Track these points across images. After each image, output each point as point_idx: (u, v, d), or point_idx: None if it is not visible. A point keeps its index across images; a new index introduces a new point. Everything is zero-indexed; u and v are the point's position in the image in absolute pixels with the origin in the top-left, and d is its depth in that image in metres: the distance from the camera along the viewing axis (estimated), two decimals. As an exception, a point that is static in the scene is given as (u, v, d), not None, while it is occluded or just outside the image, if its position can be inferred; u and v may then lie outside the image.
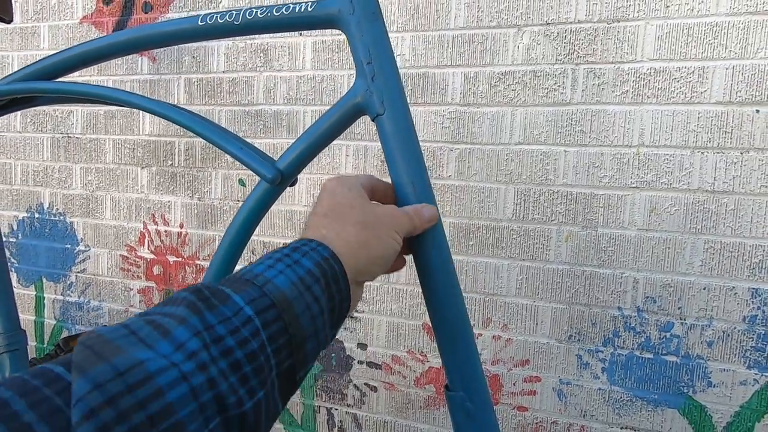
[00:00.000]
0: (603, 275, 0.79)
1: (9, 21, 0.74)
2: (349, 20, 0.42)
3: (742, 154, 0.72)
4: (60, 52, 0.54)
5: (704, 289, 0.74)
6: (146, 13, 1.02)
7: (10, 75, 0.57)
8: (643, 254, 0.77)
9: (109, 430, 0.17)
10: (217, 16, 0.46)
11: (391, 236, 0.33)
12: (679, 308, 0.76)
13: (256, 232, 0.52)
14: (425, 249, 0.41)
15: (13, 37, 1.13)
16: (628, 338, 0.78)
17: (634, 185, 0.77)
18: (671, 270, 0.76)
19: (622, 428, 0.79)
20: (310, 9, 0.44)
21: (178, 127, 1.07)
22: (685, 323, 0.76)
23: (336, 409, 0.95)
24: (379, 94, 0.42)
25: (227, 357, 0.21)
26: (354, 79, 0.42)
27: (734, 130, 0.72)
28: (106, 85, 1.06)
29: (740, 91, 0.72)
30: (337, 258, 0.29)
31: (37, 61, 0.56)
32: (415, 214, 0.37)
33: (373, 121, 0.43)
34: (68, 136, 1.11)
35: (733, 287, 0.73)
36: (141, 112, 1.06)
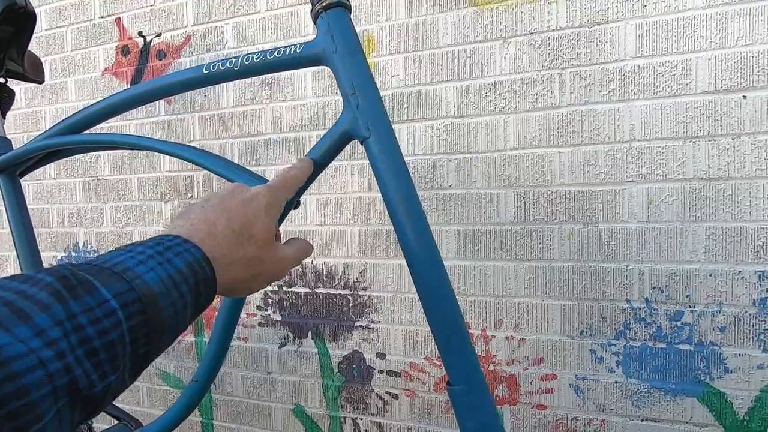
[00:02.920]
0: (608, 269, 0.80)
1: (41, 82, 0.83)
2: (333, 57, 0.47)
3: (733, 140, 0.73)
4: (86, 108, 0.61)
5: (710, 275, 0.75)
6: (160, 60, 1.11)
7: (44, 132, 0.64)
8: (646, 246, 0.78)
9: None
10: (219, 64, 0.52)
11: (270, 272, 0.36)
12: (687, 296, 0.77)
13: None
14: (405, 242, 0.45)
15: (45, 93, 1.24)
16: (639, 330, 0.79)
17: (630, 179, 0.79)
18: (675, 259, 0.77)
19: (642, 420, 0.80)
20: (298, 51, 0.49)
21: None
22: (695, 311, 0.76)
23: (361, 419, 0.98)
24: (364, 121, 0.46)
25: (85, 345, 0.22)
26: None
27: (723, 118, 0.74)
28: (128, 127, 1.15)
29: (725, 80, 0.73)
30: (210, 262, 0.30)
31: (66, 118, 0.63)
32: (279, 189, 0.39)
33: (361, 144, 0.48)
34: (97, 179, 1.20)
35: (740, 271, 0.74)
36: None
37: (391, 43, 0.92)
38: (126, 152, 1.17)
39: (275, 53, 0.50)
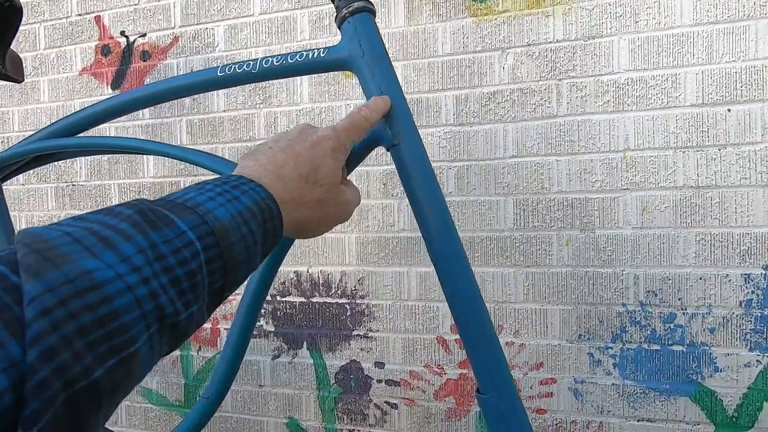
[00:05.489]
0: (605, 274, 0.83)
1: (21, 81, 0.77)
2: (359, 62, 0.47)
3: (719, 150, 0.78)
4: (85, 108, 0.57)
5: (700, 279, 0.79)
6: (145, 61, 1.06)
7: (34, 134, 0.60)
8: (640, 251, 0.81)
9: (60, 326, 0.18)
10: (235, 67, 0.51)
11: (334, 215, 0.38)
12: (679, 299, 0.80)
13: (265, 261, 0.55)
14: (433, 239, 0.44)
15: (13, 93, 1.16)
16: (635, 332, 0.82)
17: (624, 187, 0.82)
18: (668, 264, 0.80)
19: (638, 421, 0.82)
20: (322, 55, 0.48)
21: (182, 166, 1.10)
22: (687, 313, 0.80)
23: (358, 431, 0.96)
24: (392, 127, 0.46)
25: (168, 273, 0.23)
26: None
27: (710, 129, 0.78)
28: (107, 131, 1.09)
29: (711, 93, 0.78)
30: (275, 200, 0.31)
31: (61, 119, 0.59)
32: (360, 120, 0.41)
33: (388, 151, 0.47)
34: (73, 185, 1.13)
35: (727, 275, 0.78)
36: (145, 155, 1.09)
37: (390, 50, 0.91)
38: (105, 157, 1.11)
39: (297, 57, 0.49)
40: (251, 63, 0.50)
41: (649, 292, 0.81)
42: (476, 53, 0.87)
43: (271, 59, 0.50)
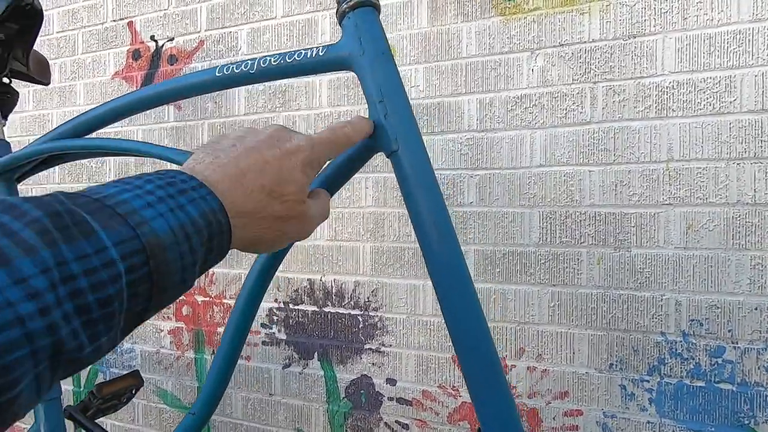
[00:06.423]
0: (641, 298, 0.74)
1: (47, 83, 0.79)
2: (360, 61, 0.43)
3: (782, 163, 0.68)
4: (92, 110, 0.57)
5: (756, 309, 0.69)
6: (172, 65, 1.07)
7: (45, 134, 0.60)
8: (684, 274, 0.72)
9: None
10: (233, 67, 0.48)
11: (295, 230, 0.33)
12: (729, 331, 0.70)
13: (280, 268, 0.52)
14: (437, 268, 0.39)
15: (53, 96, 1.21)
16: (675, 365, 0.73)
17: (666, 202, 0.73)
18: (716, 290, 0.71)
19: (678, 465, 0.73)
20: (321, 53, 0.45)
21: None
22: (738, 347, 0.70)
23: (368, 449, 0.92)
24: (392, 132, 0.42)
25: (75, 299, 0.18)
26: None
27: (771, 139, 0.68)
28: (135, 133, 1.12)
29: (773, 98, 0.68)
30: (226, 213, 0.26)
31: (70, 120, 0.59)
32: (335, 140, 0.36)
33: (388, 157, 0.43)
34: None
35: (789, 306, 0.68)
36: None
37: (411, 52, 0.88)
38: (131, 159, 1.13)
39: (295, 56, 0.46)
40: (249, 63, 0.48)
41: (693, 320, 0.72)
42: (503, 54, 0.82)
43: (269, 59, 0.47)
